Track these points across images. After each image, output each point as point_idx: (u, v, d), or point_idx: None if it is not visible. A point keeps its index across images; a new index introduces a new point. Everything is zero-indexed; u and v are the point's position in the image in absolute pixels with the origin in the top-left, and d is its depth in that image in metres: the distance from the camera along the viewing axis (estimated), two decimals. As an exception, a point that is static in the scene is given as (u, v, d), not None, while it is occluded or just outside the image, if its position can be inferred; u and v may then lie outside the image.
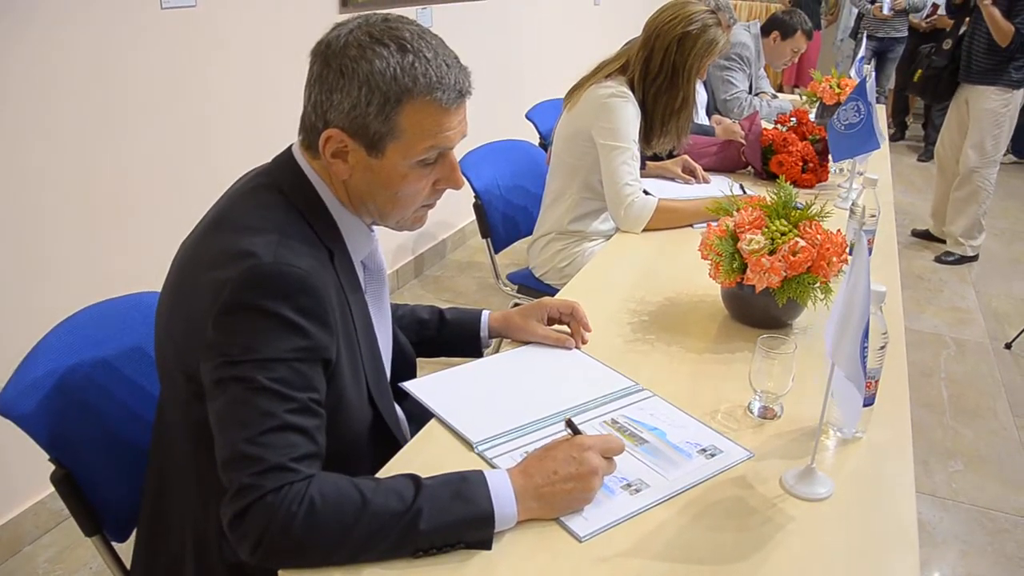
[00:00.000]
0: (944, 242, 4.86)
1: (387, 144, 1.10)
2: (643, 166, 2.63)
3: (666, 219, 2.28)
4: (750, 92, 3.99)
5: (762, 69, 4.23)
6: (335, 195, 1.18)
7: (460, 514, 1.01)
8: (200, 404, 1.06)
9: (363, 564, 0.99)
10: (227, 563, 1.14)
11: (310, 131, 1.14)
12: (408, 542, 0.99)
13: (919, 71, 4.79)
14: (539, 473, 1.07)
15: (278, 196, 1.14)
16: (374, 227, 1.27)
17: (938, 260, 4.70)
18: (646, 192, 2.33)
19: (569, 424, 1.15)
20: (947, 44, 4.67)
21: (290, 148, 1.20)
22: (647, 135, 2.40)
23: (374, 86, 1.06)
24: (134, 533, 1.34)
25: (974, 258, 4.70)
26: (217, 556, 1.14)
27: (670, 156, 2.81)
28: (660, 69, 2.32)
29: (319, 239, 1.15)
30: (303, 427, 1.02)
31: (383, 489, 1.01)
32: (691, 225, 2.30)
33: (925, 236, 5.05)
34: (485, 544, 1.03)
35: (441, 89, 1.09)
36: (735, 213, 1.66)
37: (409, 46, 1.08)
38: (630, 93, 2.32)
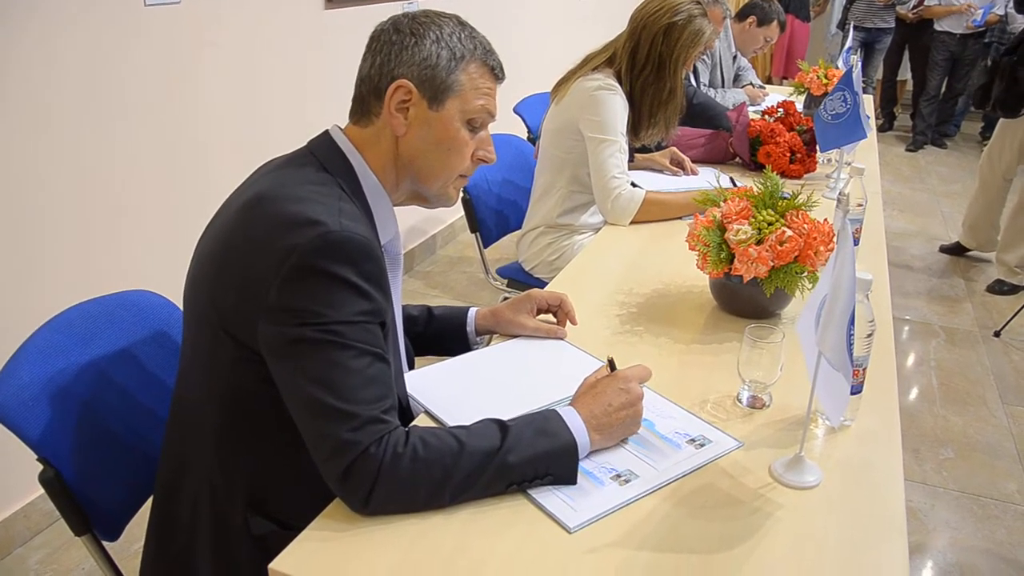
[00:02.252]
0: (970, 251, 4.61)
1: (447, 97, 1.21)
2: (631, 158, 2.63)
3: (654, 212, 2.28)
4: (723, 84, 3.98)
5: (747, 61, 4.23)
6: (373, 172, 1.24)
7: (545, 447, 1.12)
8: (247, 367, 1.11)
9: (461, 504, 1.09)
10: (252, 535, 1.19)
11: (366, 97, 1.23)
12: (502, 477, 1.09)
13: (1005, 87, 3.96)
14: (596, 406, 1.20)
15: (325, 174, 1.20)
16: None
17: (990, 290, 4.22)
18: (634, 185, 2.33)
19: (610, 363, 1.28)
20: None
21: (326, 132, 1.26)
22: (635, 127, 2.40)
23: (443, 43, 1.20)
24: (123, 533, 1.34)
25: None
26: (242, 529, 1.19)
27: (658, 148, 2.81)
28: (647, 60, 2.31)
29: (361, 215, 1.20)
30: (384, 381, 1.09)
31: (474, 432, 1.11)
32: (680, 217, 2.31)
33: (955, 251, 4.68)
34: (570, 476, 1.13)
35: (492, 57, 1.26)
36: (722, 204, 1.67)
37: (466, 24, 1.26)
38: (617, 85, 2.32)
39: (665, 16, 2.29)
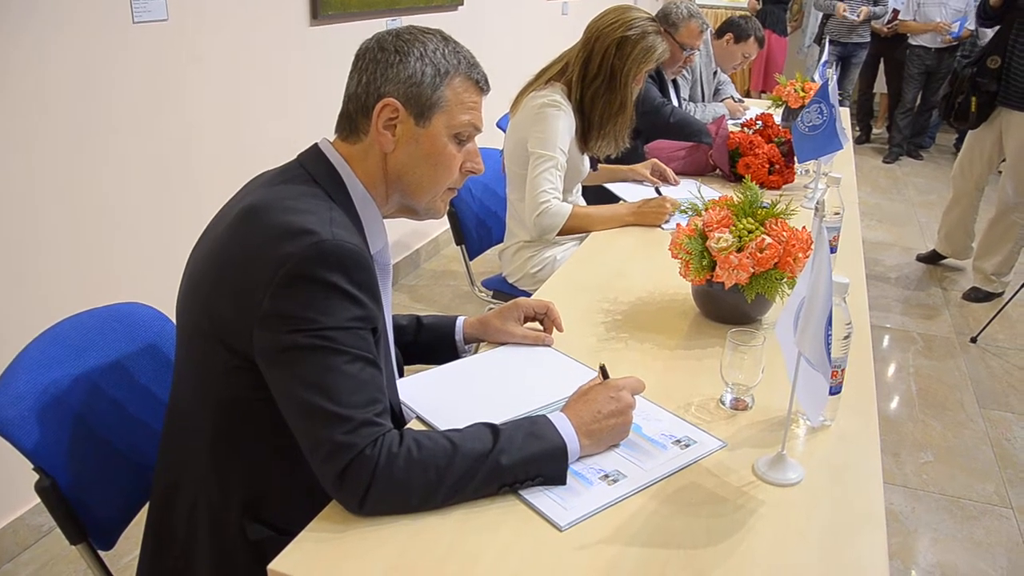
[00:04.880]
0: (945, 259, 4.68)
1: (434, 113, 1.24)
2: (594, 167, 2.67)
3: (580, 225, 2.34)
4: (703, 98, 4.03)
5: (726, 75, 4.29)
6: (362, 184, 1.26)
7: (536, 449, 1.15)
8: (240, 375, 1.13)
9: (454, 505, 1.11)
10: (249, 541, 1.20)
11: (354, 115, 1.26)
12: (494, 478, 1.12)
13: (973, 98, 4.03)
14: (586, 413, 1.22)
15: (315, 187, 1.22)
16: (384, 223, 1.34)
17: (967, 298, 4.27)
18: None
19: (602, 370, 1.31)
20: (994, 62, 3.94)
21: (315, 145, 1.28)
22: (585, 137, 2.43)
23: (427, 60, 1.23)
24: (118, 542, 1.35)
25: (1001, 295, 4.21)
26: (238, 535, 1.21)
27: (620, 160, 2.81)
28: (598, 71, 2.35)
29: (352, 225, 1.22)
30: (376, 385, 1.12)
31: (467, 435, 1.14)
32: (660, 226, 2.35)
33: (931, 259, 4.74)
34: (560, 478, 1.16)
35: (477, 71, 1.28)
36: (704, 213, 1.71)
37: (450, 38, 1.28)
38: (564, 102, 2.35)
39: (619, 29, 2.33)
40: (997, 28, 4.10)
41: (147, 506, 1.33)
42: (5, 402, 1.23)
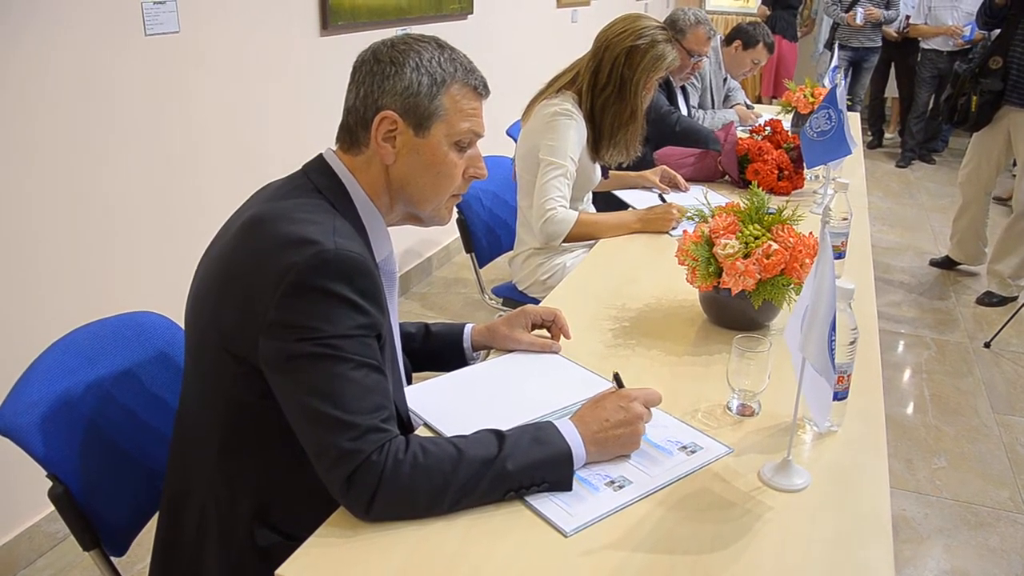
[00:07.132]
0: (959, 264, 4.64)
1: (433, 123, 1.24)
2: (605, 175, 2.67)
3: (587, 231, 2.35)
4: (713, 105, 4.03)
5: (736, 82, 4.29)
6: (366, 194, 1.27)
7: (541, 455, 1.16)
8: (247, 382, 1.14)
9: (460, 511, 1.12)
10: (258, 547, 1.21)
11: (354, 128, 1.26)
12: (500, 484, 1.13)
13: (974, 98, 3.97)
14: (594, 421, 1.23)
15: (319, 197, 1.23)
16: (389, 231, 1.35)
17: (980, 302, 4.22)
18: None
19: (616, 378, 1.32)
20: (996, 63, 3.90)
21: (320, 155, 1.29)
22: (596, 145, 2.44)
23: (423, 70, 1.22)
24: (131, 548, 1.37)
25: (1015, 299, 4.14)
26: (247, 541, 1.22)
27: (633, 167, 2.81)
28: (608, 80, 2.36)
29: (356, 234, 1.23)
30: (382, 391, 1.13)
31: (472, 441, 1.15)
32: (668, 233, 2.35)
33: (945, 265, 4.69)
34: (565, 484, 1.17)
35: (474, 77, 1.27)
36: (710, 219, 1.71)
37: (445, 45, 1.28)
38: (575, 110, 2.36)
39: (629, 39, 2.33)
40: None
41: (158, 512, 1.34)
42: (20, 410, 1.25)
